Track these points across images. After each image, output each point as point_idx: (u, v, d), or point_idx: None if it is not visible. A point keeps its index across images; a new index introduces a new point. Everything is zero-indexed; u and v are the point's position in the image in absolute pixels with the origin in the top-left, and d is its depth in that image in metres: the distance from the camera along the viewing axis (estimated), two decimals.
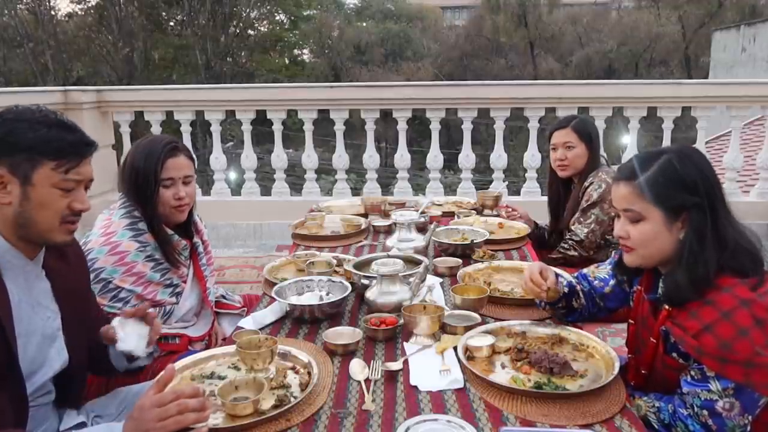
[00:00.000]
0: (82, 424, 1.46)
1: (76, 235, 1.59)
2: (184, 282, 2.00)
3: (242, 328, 1.69)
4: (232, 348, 1.49)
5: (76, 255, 1.56)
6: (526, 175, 4.83)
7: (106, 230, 1.84)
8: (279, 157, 4.94)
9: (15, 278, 1.31)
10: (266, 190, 5.10)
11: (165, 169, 1.87)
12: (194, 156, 2.08)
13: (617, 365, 1.37)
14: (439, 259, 2.20)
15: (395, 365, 1.43)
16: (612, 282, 1.67)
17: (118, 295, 1.81)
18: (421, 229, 2.47)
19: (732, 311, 1.24)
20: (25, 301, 1.33)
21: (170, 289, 1.94)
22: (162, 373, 1.30)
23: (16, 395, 1.28)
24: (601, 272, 1.72)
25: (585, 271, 1.77)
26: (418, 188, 5.81)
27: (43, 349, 1.37)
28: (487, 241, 2.37)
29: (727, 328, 1.23)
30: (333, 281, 1.90)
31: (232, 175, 9.95)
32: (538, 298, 1.64)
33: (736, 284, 1.27)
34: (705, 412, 1.27)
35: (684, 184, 1.32)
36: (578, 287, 1.69)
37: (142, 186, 1.86)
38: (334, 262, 2.13)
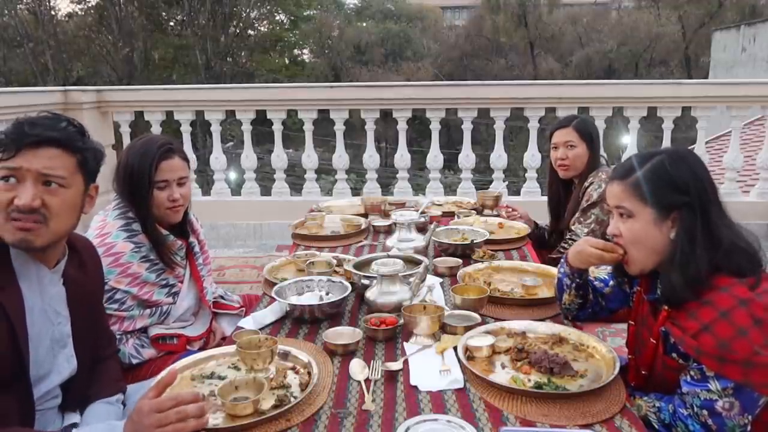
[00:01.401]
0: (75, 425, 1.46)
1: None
2: (181, 282, 2.00)
3: (242, 328, 1.69)
4: (232, 348, 1.49)
5: (93, 264, 1.55)
6: (526, 175, 4.83)
7: (101, 231, 1.84)
8: (279, 157, 4.94)
9: (29, 282, 1.31)
10: (266, 190, 5.10)
11: (159, 171, 1.86)
12: (189, 157, 2.08)
13: (617, 365, 1.37)
14: (439, 259, 2.20)
15: (395, 365, 1.43)
16: (611, 282, 1.68)
17: (113, 296, 1.81)
18: (421, 229, 2.47)
19: (731, 311, 1.24)
20: (38, 305, 1.33)
21: (166, 289, 1.94)
22: (162, 374, 1.30)
23: (24, 398, 1.28)
24: (600, 273, 1.73)
25: None
26: (418, 188, 5.81)
27: (52, 353, 1.36)
28: (487, 241, 2.37)
29: (726, 327, 1.23)
30: (333, 281, 1.90)
31: (232, 175, 9.95)
32: (611, 263, 1.55)
33: (734, 284, 1.27)
34: (705, 412, 1.27)
35: (674, 184, 1.34)
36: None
37: (136, 187, 1.85)
38: (334, 262, 2.13)
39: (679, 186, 1.34)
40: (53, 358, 1.37)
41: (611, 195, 1.44)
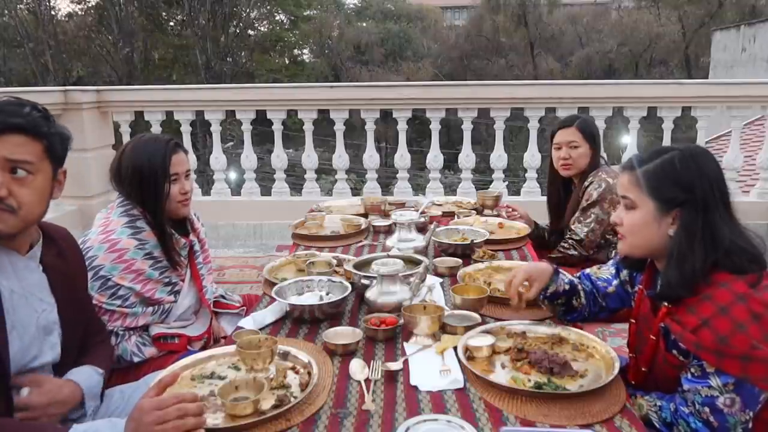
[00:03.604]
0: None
1: (74, 235, 1.60)
2: (183, 280, 2.00)
3: (242, 328, 1.69)
4: (232, 348, 1.49)
5: (73, 252, 1.56)
6: (526, 175, 4.83)
7: (105, 228, 1.85)
8: (279, 157, 4.94)
9: (4, 270, 1.31)
10: (266, 190, 5.10)
11: (171, 166, 1.91)
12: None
13: (617, 365, 1.37)
14: (439, 259, 2.20)
15: (395, 365, 1.43)
16: (615, 282, 1.68)
17: (117, 292, 1.81)
18: (421, 229, 2.47)
19: (729, 306, 1.24)
20: (18, 292, 1.32)
21: (169, 288, 1.94)
22: (163, 374, 1.30)
23: (2, 384, 1.28)
24: (603, 273, 1.73)
25: (588, 271, 1.78)
26: (418, 188, 5.81)
27: (38, 340, 1.36)
28: (487, 241, 2.37)
29: (725, 322, 1.23)
30: (333, 281, 1.90)
31: (232, 175, 9.96)
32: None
33: (734, 280, 1.28)
34: (706, 409, 1.27)
35: (679, 181, 1.35)
36: (579, 286, 1.70)
37: (150, 184, 1.87)
38: (334, 262, 2.13)
39: (684, 185, 1.34)
40: (40, 345, 1.37)
41: (620, 184, 1.46)
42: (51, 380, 1.39)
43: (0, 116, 1.25)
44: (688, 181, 1.34)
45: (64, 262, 1.47)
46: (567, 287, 1.66)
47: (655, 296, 1.43)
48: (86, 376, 1.47)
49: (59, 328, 1.43)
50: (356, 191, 5.46)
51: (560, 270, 1.68)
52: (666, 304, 1.38)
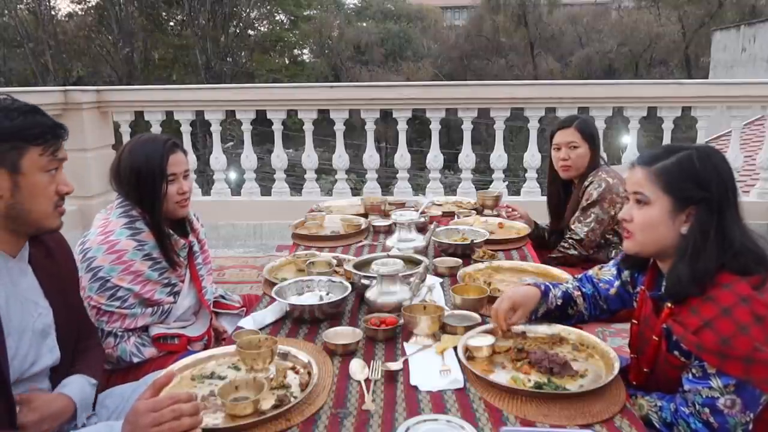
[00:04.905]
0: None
1: (74, 235, 1.60)
2: (182, 281, 2.00)
3: (242, 328, 1.69)
4: (232, 348, 1.49)
5: (63, 251, 1.55)
6: (526, 175, 4.83)
7: (104, 229, 1.85)
8: (279, 157, 4.94)
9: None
10: (266, 190, 5.10)
11: (169, 166, 1.90)
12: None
13: (617, 365, 1.37)
14: (439, 259, 2.20)
15: (395, 365, 1.43)
16: (617, 283, 1.68)
17: (116, 293, 1.81)
18: (421, 229, 2.47)
19: (732, 307, 1.24)
20: (13, 297, 1.32)
21: (168, 288, 1.94)
22: (159, 376, 1.30)
23: (3, 392, 1.27)
24: (605, 274, 1.73)
25: (590, 273, 1.78)
26: (418, 188, 5.81)
27: (35, 345, 1.36)
28: (487, 241, 2.37)
29: (727, 324, 1.23)
30: (333, 281, 1.90)
31: (232, 175, 9.97)
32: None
33: (737, 281, 1.28)
34: (706, 410, 1.27)
35: (697, 179, 1.34)
36: (576, 293, 1.70)
37: (148, 185, 1.86)
38: (334, 262, 2.13)
39: (702, 182, 1.34)
40: (38, 349, 1.37)
41: (632, 180, 1.43)
42: (40, 396, 1.38)
43: (55, 119, 1.37)
44: (706, 179, 1.33)
45: (53, 263, 1.47)
46: (559, 302, 1.65)
47: (660, 295, 1.42)
48: (78, 387, 1.45)
49: (54, 330, 1.43)
50: (356, 191, 5.46)
51: (550, 288, 1.67)
52: (669, 305, 1.38)
